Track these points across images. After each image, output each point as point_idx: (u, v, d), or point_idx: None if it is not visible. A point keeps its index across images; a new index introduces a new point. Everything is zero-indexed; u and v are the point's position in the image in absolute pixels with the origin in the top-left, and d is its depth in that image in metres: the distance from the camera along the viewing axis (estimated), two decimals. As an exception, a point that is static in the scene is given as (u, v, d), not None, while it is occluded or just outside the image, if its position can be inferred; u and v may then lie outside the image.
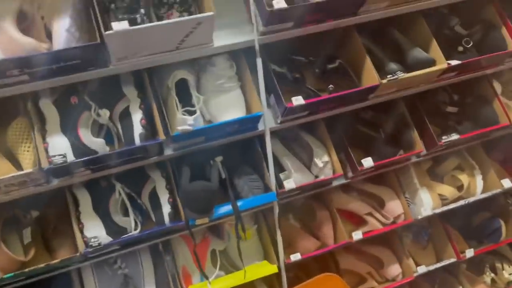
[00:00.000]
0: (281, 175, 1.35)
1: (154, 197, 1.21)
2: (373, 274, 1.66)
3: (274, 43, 1.16)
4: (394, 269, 1.64)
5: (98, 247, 1.11)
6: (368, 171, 1.42)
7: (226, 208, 1.20)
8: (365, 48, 1.31)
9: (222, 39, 1.10)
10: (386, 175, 1.59)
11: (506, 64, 1.48)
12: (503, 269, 1.88)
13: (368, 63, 1.27)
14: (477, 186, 1.61)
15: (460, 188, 1.62)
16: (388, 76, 1.25)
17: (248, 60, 1.20)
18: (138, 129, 1.09)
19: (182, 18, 0.97)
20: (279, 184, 1.31)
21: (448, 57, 1.38)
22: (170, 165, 1.24)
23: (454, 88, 1.59)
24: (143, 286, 1.31)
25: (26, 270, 1.08)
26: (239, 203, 1.20)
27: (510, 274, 1.86)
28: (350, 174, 1.43)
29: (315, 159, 1.35)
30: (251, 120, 1.17)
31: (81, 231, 1.15)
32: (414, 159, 1.52)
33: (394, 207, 1.54)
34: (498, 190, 1.61)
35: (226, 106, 1.20)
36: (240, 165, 1.29)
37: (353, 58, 1.32)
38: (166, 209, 1.20)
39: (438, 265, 1.67)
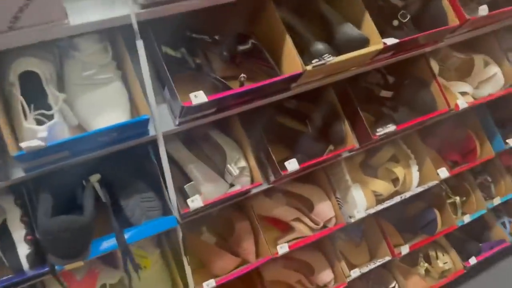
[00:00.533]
0: (186, 188, 1.06)
1: (3, 235, 0.88)
2: (303, 282, 1.46)
3: (167, 17, 0.85)
4: (326, 275, 1.45)
5: None
6: (294, 174, 1.18)
7: (110, 243, 0.90)
8: (284, 23, 1.04)
9: (85, 13, 0.77)
10: (315, 172, 1.36)
11: (445, 40, 1.28)
12: (437, 258, 1.77)
13: (289, 44, 1.00)
14: (413, 178, 1.44)
15: (395, 181, 1.45)
16: (313, 61, 0.99)
17: (131, 41, 0.88)
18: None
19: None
20: (186, 198, 1.03)
21: (382, 33, 1.16)
22: (26, 189, 0.90)
23: (388, 69, 1.38)
24: None
25: None
26: (127, 234, 0.91)
27: (444, 263, 1.75)
28: (272, 178, 1.18)
29: (229, 165, 1.08)
30: (135, 126, 0.86)
31: None
32: (346, 155, 1.30)
33: (324, 209, 1.33)
34: (434, 182, 1.46)
35: (100, 105, 0.87)
36: (130, 181, 0.98)
37: (270, 36, 1.04)
38: (23, 250, 0.87)
39: (373, 265, 1.50)
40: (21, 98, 0.80)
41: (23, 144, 0.74)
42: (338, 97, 1.26)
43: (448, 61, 1.49)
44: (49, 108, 0.84)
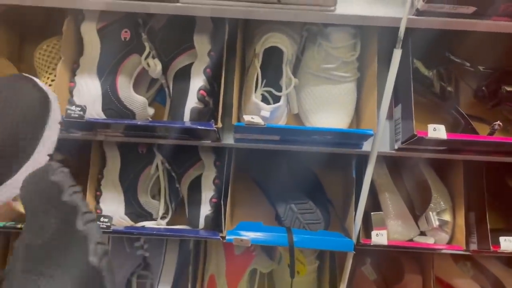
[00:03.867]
0: (373, 215, 0.95)
1: (195, 189, 0.91)
2: None
3: (433, 31, 0.73)
4: None
5: (107, 230, 0.86)
6: (503, 253, 0.95)
7: (281, 236, 0.86)
8: None
9: (353, 5, 0.70)
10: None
11: None
12: None
13: None
14: None
15: None
16: None
17: (383, 45, 0.79)
18: (192, 100, 0.76)
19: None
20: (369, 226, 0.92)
21: None
22: (229, 155, 0.91)
23: None
24: (158, 281, 1.06)
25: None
26: (298, 237, 0.85)
27: None
28: (473, 247, 0.98)
29: (431, 212, 0.92)
30: (355, 137, 0.78)
31: (97, 201, 0.90)
32: None
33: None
34: None
35: (326, 102, 0.81)
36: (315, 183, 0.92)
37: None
38: (205, 210, 0.89)
39: None
40: (259, 70, 0.79)
41: (245, 117, 0.73)
42: None
43: None
44: (278, 88, 0.81)
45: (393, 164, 1.03)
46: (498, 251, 0.91)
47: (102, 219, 0.86)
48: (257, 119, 0.73)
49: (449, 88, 0.81)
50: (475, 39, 0.83)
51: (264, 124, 0.73)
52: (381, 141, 0.85)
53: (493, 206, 0.99)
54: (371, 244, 0.88)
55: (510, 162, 0.98)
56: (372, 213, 0.96)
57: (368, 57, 0.81)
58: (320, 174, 1.01)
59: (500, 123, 0.78)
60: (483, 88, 0.82)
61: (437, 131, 0.74)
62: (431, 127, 0.74)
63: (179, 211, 0.97)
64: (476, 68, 0.83)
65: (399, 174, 1.02)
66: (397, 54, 0.72)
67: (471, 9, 0.68)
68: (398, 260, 1.13)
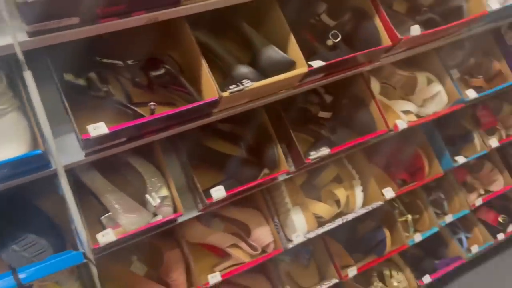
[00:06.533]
0: (103, 219, 1.01)
1: None
2: (245, 308, 1.41)
3: (71, 43, 0.80)
4: (271, 301, 1.41)
5: None
6: (223, 201, 1.13)
7: (7, 280, 0.84)
8: (204, 46, 1.00)
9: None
10: (254, 196, 1.32)
11: (383, 59, 1.25)
12: (391, 276, 1.74)
13: (205, 68, 0.95)
14: (356, 199, 1.40)
15: (339, 203, 1.40)
16: (231, 87, 0.95)
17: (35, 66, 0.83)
18: None
19: None
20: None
21: (314, 54, 1.12)
22: None
23: (328, 88, 1.34)
24: None
25: None
26: (23, 274, 0.85)
27: (398, 282, 1.72)
28: (200, 206, 1.14)
29: (148, 194, 1.03)
30: (25, 161, 0.81)
31: None
32: (283, 178, 1.25)
33: (262, 235, 1.28)
34: (379, 203, 1.42)
35: (-5, 139, 0.82)
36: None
37: (188, 60, 1.00)
38: None
39: (319, 288, 1.46)
40: None
41: None
42: (273, 120, 1.21)
43: (393, 78, 1.46)
44: None
45: (109, 167, 1.09)
46: (213, 201, 1.08)
47: None
48: None
49: (105, 88, 0.90)
50: (118, 37, 0.93)
51: None
52: (75, 152, 0.91)
53: (205, 167, 1.17)
54: (101, 246, 0.94)
55: (214, 125, 1.18)
56: (101, 217, 1.02)
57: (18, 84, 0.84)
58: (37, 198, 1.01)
59: (154, 103, 0.91)
60: (136, 79, 0.94)
61: (98, 129, 0.82)
62: (90, 127, 0.82)
63: None
64: (125, 63, 0.94)
65: (117, 173, 1.10)
66: (28, 75, 0.77)
67: (75, 20, 0.77)
68: (156, 245, 1.23)
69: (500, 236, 1.85)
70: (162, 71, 0.94)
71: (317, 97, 1.31)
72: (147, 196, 1.03)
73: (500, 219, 1.92)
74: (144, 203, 1.07)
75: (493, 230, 1.88)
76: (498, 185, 1.81)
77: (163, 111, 0.91)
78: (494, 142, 1.61)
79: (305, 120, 1.30)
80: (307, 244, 1.55)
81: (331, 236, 1.58)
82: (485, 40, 1.52)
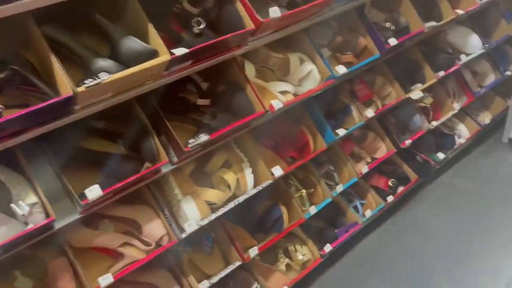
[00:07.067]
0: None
1: None
2: (150, 305, 1.39)
3: None
4: (176, 294, 1.40)
5: None
6: (104, 200, 1.10)
7: None
8: (56, 42, 0.96)
9: None
10: (140, 191, 1.30)
11: (253, 43, 1.28)
12: (296, 250, 1.81)
13: (56, 64, 0.91)
14: (247, 181, 1.44)
15: (230, 187, 1.43)
16: (86, 81, 0.92)
17: None
18: None
19: None
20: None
21: (179, 42, 1.13)
22: None
23: (204, 76, 1.36)
24: None
25: None
26: None
27: (303, 254, 1.80)
28: (78, 208, 1.10)
29: (14, 204, 0.97)
30: None
31: None
32: (169, 168, 1.25)
33: (154, 229, 1.27)
34: (269, 182, 1.47)
35: None
36: None
37: (41, 58, 0.96)
38: None
39: (223, 273, 1.49)
40: None
41: None
42: (151, 112, 1.20)
43: (269, 61, 1.51)
44: None
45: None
46: (88, 202, 1.04)
47: None
48: None
49: None
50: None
51: None
52: None
53: (81, 169, 1.13)
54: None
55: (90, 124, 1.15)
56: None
57: None
58: None
59: (2, 106, 0.86)
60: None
61: None
62: None
63: None
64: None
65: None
66: None
67: None
68: (38, 256, 1.17)
69: (390, 198, 2.01)
70: (7, 72, 0.89)
71: (193, 86, 1.32)
72: (12, 205, 0.97)
73: (390, 183, 2.08)
74: (13, 214, 1.01)
75: (384, 194, 2.04)
76: (382, 151, 1.96)
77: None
78: (370, 113, 1.74)
79: (185, 110, 1.31)
80: (208, 231, 1.57)
81: (233, 221, 1.61)
82: (350, 18, 1.63)
